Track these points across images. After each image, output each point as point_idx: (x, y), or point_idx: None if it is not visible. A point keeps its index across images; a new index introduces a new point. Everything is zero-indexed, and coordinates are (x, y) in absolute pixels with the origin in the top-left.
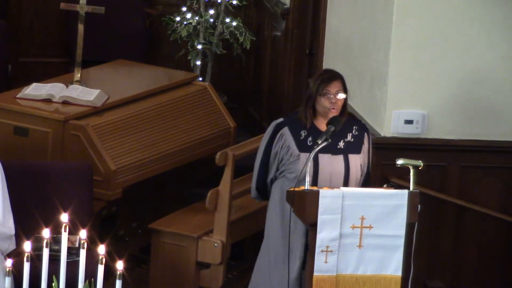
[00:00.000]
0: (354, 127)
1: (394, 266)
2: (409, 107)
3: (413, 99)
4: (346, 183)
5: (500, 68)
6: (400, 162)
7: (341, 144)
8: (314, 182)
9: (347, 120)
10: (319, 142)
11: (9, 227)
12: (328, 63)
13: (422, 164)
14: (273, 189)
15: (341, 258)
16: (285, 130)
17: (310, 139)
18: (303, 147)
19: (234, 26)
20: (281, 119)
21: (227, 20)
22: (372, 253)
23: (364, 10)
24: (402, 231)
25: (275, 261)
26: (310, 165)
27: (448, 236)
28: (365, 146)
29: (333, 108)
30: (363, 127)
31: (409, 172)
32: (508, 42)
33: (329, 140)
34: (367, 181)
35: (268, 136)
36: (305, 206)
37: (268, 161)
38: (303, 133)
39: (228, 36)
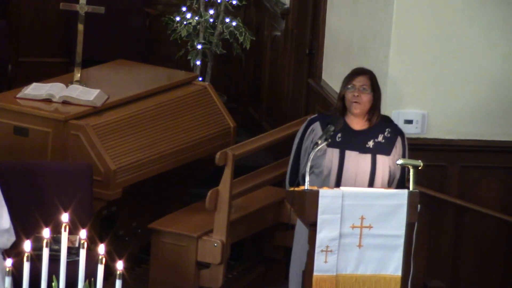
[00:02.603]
0: (387, 129)
1: (393, 266)
2: (409, 107)
3: (413, 99)
4: (371, 184)
5: (500, 68)
6: (400, 162)
7: (371, 143)
8: (339, 179)
9: (381, 121)
10: (319, 142)
11: (4, 221)
12: (328, 63)
13: (422, 164)
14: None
15: (340, 258)
16: (316, 125)
17: (339, 135)
18: (331, 143)
19: (234, 26)
20: (315, 115)
21: (227, 20)
22: (372, 253)
23: (364, 10)
24: (401, 231)
25: (300, 259)
26: (336, 161)
27: (448, 236)
28: (397, 150)
29: (356, 102)
30: (398, 131)
31: (409, 172)
32: (508, 42)
33: (329, 140)
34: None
35: (300, 131)
36: (305, 206)
37: (300, 155)
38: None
39: (228, 36)
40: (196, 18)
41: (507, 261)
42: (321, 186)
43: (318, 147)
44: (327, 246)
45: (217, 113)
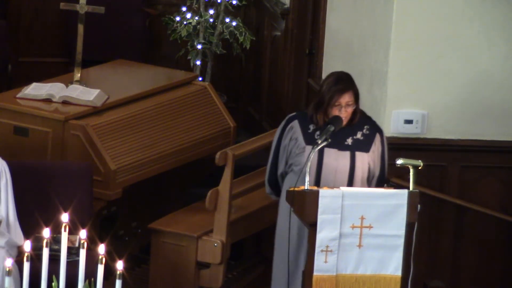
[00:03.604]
0: (365, 126)
1: (393, 266)
2: (409, 107)
3: (413, 99)
4: (351, 181)
5: (500, 68)
6: (400, 162)
7: (349, 141)
8: (318, 176)
9: (360, 119)
10: (319, 142)
11: (20, 238)
12: (328, 63)
13: (421, 164)
14: (284, 184)
15: (341, 258)
16: (295, 123)
17: (318, 133)
18: (310, 140)
19: (234, 26)
20: (294, 113)
21: (227, 20)
22: (372, 253)
23: (364, 10)
24: (402, 231)
25: (282, 257)
26: (314, 158)
27: (448, 236)
28: (375, 146)
29: (342, 118)
30: (376, 128)
31: (409, 172)
32: (508, 42)
33: (329, 140)
34: (382, 185)
35: (279, 129)
36: (304, 206)
37: (279, 154)
38: (311, 127)
39: (228, 36)
40: (196, 18)
41: (507, 261)
42: (301, 184)
43: (319, 147)
44: (327, 246)
45: (217, 113)
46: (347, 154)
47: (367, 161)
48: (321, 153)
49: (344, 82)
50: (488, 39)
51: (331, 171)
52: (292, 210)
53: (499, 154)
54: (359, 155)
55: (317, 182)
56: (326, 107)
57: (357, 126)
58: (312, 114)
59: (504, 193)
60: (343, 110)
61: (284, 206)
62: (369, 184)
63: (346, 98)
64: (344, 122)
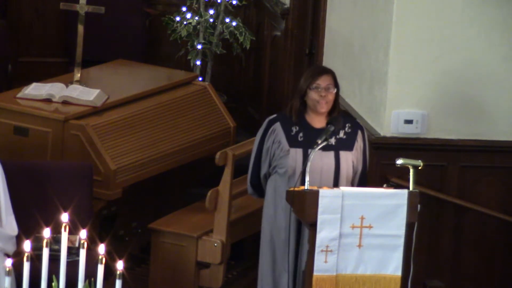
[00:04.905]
0: (347, 125)
1: (393, 266)
2: (409, 107)
3: (413, 99)
4: (336, 180)
5: (500, 68)
6: (399, 162)
7: (333, 140)
8: (304, 178)
9: (342, 118)
10: (319, 141)
11: (13, 228)
12: (328, 63)
13: (421, 164)
14: (267, 186)
15: (340, 257)
16: (277, 125)
17: (301, 134)
18: (294, 143)
19: (234, 26)
20: (274, 115)
21: (227, 20)
22: (371, 253)
23: (364, 10)
24: (401, 231)
25: (273, 259)
26: (300, 160)
27: (448, 236)
28: (358, 144)
29: (323, 101)
30: (357, 125)
31: (409, 172)
32: (508, 42)
33: (329, 140)
34: (364, 182)
35: (261, 132)
36: (304, 206)
37: (261, 156)
38: (294, 129)
39: (228, 36)
40: (196, 18)
41: (507, 261)
42: (287, 186)
43: (319, 147)
44: (327, 246)
45: (217, 113)
46: (331, 154)
47: (351, 159)
48: (305, 155)
49: (322, 67)
50: (488, 39)
51: (316, 172)
52: (292, 210)
53: (499, 154)
54: (343, 154)
55: (303, 184)
56: (305, 91)
57: (340, 126)
58: (288, 108)
59: (504, 193)
60: (322, 92)
61: (266, 207)
62: (353, 182)
63: (326, 81)
64: (325, 109)
